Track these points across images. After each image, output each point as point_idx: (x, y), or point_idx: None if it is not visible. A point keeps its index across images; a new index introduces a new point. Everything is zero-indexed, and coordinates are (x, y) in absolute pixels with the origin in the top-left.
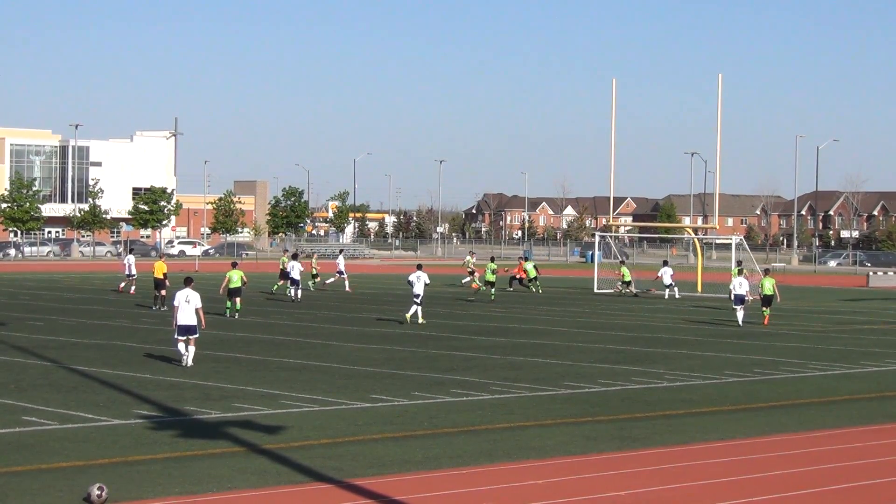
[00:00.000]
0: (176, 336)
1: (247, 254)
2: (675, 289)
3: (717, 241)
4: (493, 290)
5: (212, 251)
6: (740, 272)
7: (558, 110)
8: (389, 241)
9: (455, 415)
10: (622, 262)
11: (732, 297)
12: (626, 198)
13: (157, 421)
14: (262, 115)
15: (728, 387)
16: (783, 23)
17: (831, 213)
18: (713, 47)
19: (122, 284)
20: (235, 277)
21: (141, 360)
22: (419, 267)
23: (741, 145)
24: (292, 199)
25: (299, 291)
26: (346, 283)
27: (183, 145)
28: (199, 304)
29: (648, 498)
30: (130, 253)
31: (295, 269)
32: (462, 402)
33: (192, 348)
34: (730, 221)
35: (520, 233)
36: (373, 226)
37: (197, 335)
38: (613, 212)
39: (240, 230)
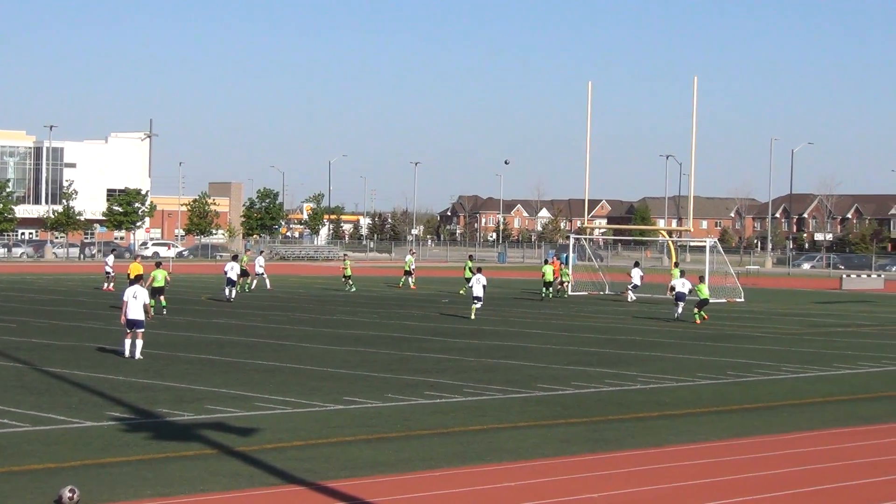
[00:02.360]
0: (126, 329)
1: (222, 255)
2: (631, 292)
3: (692, 244)
4: (549, 290)
5: (186, 253)
6: (682, 273)
7: (534, 113)
8: (364, 243)
9: (428, 417)
10: (546, 262)
11: (674, 295)
12: (601, 200)
13: (129, 423)
14: (237, 116)
15: (701, 389)
16: (758, 26)
17: (805, 215)
18: (688, 51)
19: (105, 285)
20: (160, 276)
21: (114, 361)
22: (479, 270)
23: (716, 148)
24: (267, 200)
25: (233, 292)
26: (267, 281)
27: (157, 147)
28: (146, 300)
29: (622, 500)
30: (112, 253)
31: (233, 270)
32: (435, 405)
33: (139, 342)
34: (704, 224)
35: (494, 235)
36: (347, 228)
37: (143, 329)
38: (588, 214)
39: (214, 232)
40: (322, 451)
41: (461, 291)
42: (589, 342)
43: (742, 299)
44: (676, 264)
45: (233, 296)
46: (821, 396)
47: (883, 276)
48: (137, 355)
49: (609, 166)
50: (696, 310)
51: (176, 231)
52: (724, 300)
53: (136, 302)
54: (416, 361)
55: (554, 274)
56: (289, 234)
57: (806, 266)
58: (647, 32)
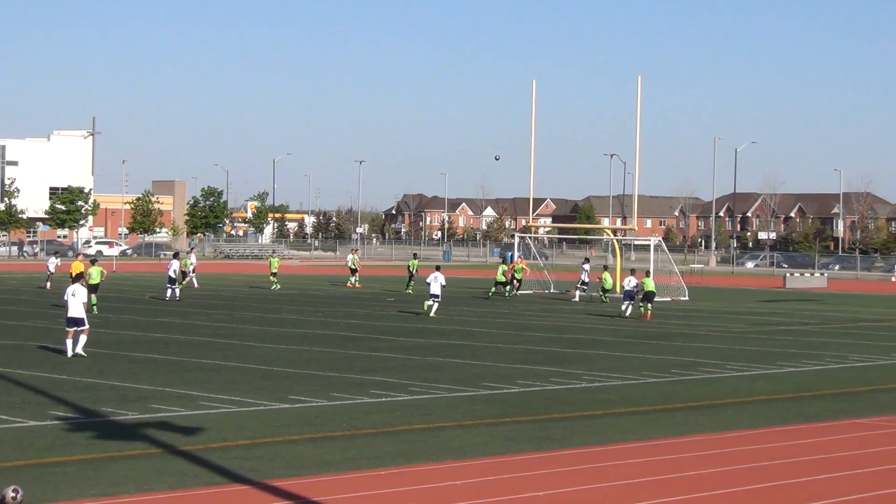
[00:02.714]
0: (66, 328)
1: (165, 254)
2: (579, 291)
3: (636, 243)
4: (507, 288)
5: (129, 251)
6: (632, 272)
7: (478, 111)
8: (309, 241)
9: (374, 416)
10: (503, 262)
11: (622, 293)
12: (546, 199)
13: (73, 422)
14: (180, 114)
15: (646, 387)
16: (701, 25)
17: (749, 214)
18: (632, 49)
19: (48, 283)
20: (95, 273)
21: (57, 360)
22: (437, 269)
23: (660, 147)
24: (211, 199)
25: (177, 290)
26: (194, 280)
27: (101, 145)
28: (85, 299)
29: (567, 498)
30: (55, 255)
31: (172, 268)
32: (381, 403)
33: (83, 338)
34: (648, 223)
35: (439, 233)
36: (292, 226)
37: (86, 327)
38: (533, 213)
39: (158, 230)
40: (267, 451)
41: (406, 290)
42: (535, 340)
43: (686, 298)
44: (606, 267)
45: (177, 295)
46: (765, 395)
47: (826, 274)
48: (79, 351)
49: (554, 165)
50: (642, 303)
51: (119, 229)
52: (668, 299)
53: (75, 300)
54: (362, 360)
55: (507, 273)
56: (233, 232)
57: (750, 265)
58: (591, 31)
